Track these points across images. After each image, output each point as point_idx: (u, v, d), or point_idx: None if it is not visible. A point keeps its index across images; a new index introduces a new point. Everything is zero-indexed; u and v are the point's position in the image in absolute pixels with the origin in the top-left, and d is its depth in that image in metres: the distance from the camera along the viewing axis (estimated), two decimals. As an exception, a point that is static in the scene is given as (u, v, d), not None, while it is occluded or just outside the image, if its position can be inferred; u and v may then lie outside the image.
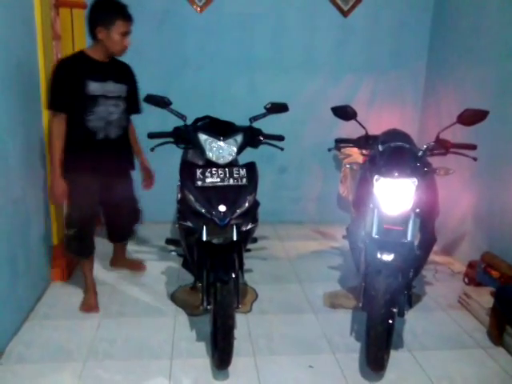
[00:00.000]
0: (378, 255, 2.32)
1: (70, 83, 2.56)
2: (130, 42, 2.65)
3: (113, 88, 2.67)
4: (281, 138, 2.67)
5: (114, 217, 3.12)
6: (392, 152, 2.50)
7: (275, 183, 4.45)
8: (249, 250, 3.05)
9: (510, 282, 2.95)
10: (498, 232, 3.27)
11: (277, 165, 4.37)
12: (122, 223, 3.19)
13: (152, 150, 2.57)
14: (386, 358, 2.37)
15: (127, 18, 2.61)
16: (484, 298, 2.92)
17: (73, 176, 2.69)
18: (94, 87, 2.60)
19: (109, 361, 2.45)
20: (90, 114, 2.63)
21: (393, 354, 2.50)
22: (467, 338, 2.75)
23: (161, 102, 2.50)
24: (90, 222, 2.88)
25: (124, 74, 2.81)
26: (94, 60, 2.65)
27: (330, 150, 2.89)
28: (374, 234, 2.42)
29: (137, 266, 3.46)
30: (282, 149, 2.69)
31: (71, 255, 3.03)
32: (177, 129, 2.55)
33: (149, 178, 3.15)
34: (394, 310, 2.32)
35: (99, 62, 2.66)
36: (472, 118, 2.39)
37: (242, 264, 2.46)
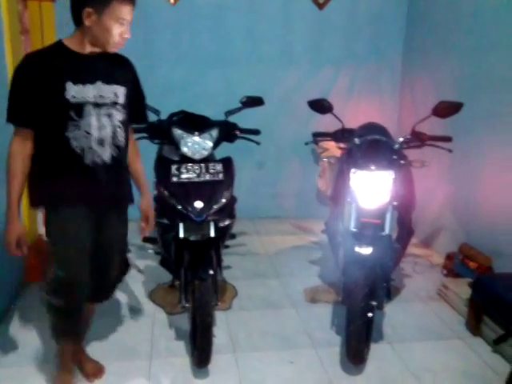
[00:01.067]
0: (356, 249, 2.32)
1: (39, 86, 1.81)
2: (129, 34, 1.89)
3: (103, 92, 1.90)
4: (257, 132, 2.64)
5: (98, 269, 2.08)
6: (368, 145, 2.51)
7: (253, 178, 4.42)
8: (227, 247, 3.02)
9: (486, 273, 2.99)
10: (475, 224, 3.30)
11: (255, 160, 4.34)
12: (106, 278, 2.18)
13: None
14: (366, 350, 2.38)
15: None
16: (462, 289, 2.94)
17: (53, 209, 1.96)
18: (76, 91, 1.83)
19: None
20: (73, 128, 1.86)
21: (373, 346, 2.50)
22: (446, 329, 2.77)
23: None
24: (79, 282, 1.98)
25: (120, 72, 2.01)
26: (76, 53, 1.87)
27: (307, 143, 2.88)
28: (352, 228, 2.43)
29: (94, 372, 2.31)
30: (258, 143, 2.67)
31: (53, 336, 2.16)
32: (151, 124, 2.49)
33: (146, 220, 2.24)
34: (374, 303, 2.33)
35: (83, 56, 1.88)
36: (447, 110, 2.40)
37: (220, 261, 2.44)
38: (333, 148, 3.74)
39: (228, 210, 2.45)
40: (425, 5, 3.99)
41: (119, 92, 1.95)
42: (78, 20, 1.83)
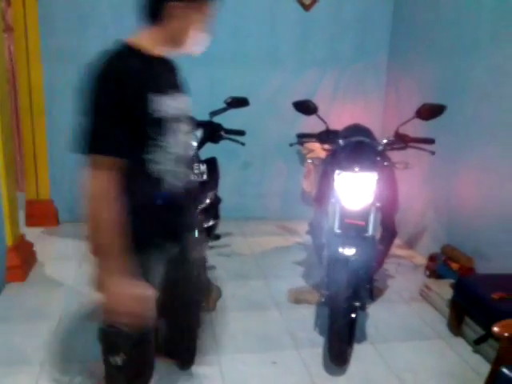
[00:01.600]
0: (340, 250, 2.33)
1: (130, 103, 1.40)
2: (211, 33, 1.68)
3: (184, 103, 1.60)
4: (242, 133, 2.64)
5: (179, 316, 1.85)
6: (352, 146, 2.52)
7: (239, 179, 4.42)
8: (212, 247, 3.01)
9: (468, 274, 3.02)
10: (457, 225, 3.34)
11: (240, 160, 4.34)
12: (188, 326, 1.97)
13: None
14: (348, 351, 2.39)
15: None
16: (444, 289, 2.97)
17: (143, 256, 1.52)
18: (162, 104, 1.47)
19: (68, 364, 2.37)
20: (155, 149, 1.47)
21: (356, 347, 2.51)
22: (428, 330, 2.79)
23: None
24: (149, 334, 1.62)
25: (180, 79, 1.73)
26: (153, 58, 1.52)
27: (291, 144, 2.88)
28: (336, 229, 2.43)
29: None
30: (243, 144, 2.67)
31: None
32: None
33: None
34: (357, 303, 2.34)
35: (160, 60, 1.56)
36: (430, 112, 2.43)
37: (204, 261, 2.42)
38: (318, 149, 3.74)
39: (212, 211, 2.45)
40: (409, 7, 4.03)
41: (188, 102, 1.64)
42: (154, 15, 1.48)
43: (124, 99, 1.38)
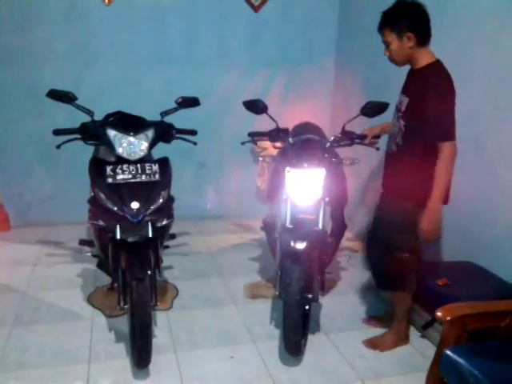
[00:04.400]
0: (292, 244, 2.39)
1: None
2: (387, 53, 2.34)
3: None
4: (193, 133, 2.66)
5: None
6: (302, 144, 2.59)
7: (195, 178, 4.43)
8: (167, 247, 3.03)
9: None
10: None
11: (195, 160, 4.36)
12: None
13: (58, 147, 2.46)
14: (303, 342, 2.46)
15: (379, 28, 2.34)
16: (393, 279, 3.10)
17: None
18: None
19: (21, 371, 2.33)
20: None
21: (310, 337, 2.60)
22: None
23: (65, 97, 2.39)
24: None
25: None
26: None
27: (243, 143, 2.93)
28: (288, 224, 2.50)
29: None
30: (195, 143, 2.69)
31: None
32: (84, 125, 2.45)
33: None
34: (309, 296, 2.41)
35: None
36: (374, 109, 2.52)
37: (158, 261, 2.43)
38: (271, 148, 3.81)
39: (166, 210, 2.45)
40: (354, 10, 4.15)
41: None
42: None
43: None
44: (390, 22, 2.26)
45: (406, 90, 2.36)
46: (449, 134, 2.13)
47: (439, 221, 2.26)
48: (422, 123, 2.16)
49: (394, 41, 2.24)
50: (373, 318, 2.89)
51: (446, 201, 2.33)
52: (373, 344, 2.64)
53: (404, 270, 2.48)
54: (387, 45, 2.28)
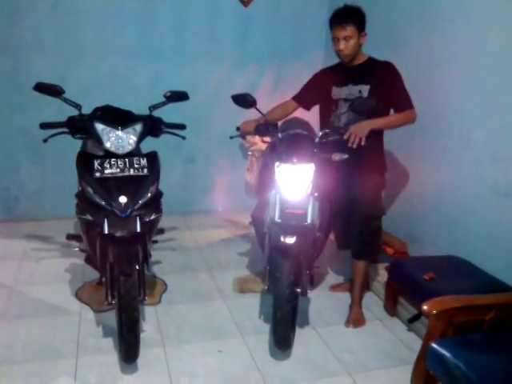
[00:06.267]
0: (281, 239, 2.39)
1: None
2: (342, 46, 2.56)
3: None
4: (182, 127, 2.64)
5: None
6: (291, 139, 2.59)
7: (184, 173, 4.43)
8: (155, 242, 3.02)
9: (402, 258, 3.19)
10: (392, 211, 3.49)
11: (184, 154, 4.35)
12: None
13: (45, 140, 2.43)
14: (292, 336, 2.48)
15: (342, 22, 2.55)
16: (380, 273, 3.13)
17: None
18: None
19: (6, 366, 2.32)
20: None
21: (299, 331, 2.62)
22: (366, 312, 2.93)
23: (52, 91, 2.36)
24: None
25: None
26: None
27: (231, 137, 2.92)
28: (277, 219, 2.49)
29: None
30: (183, 137, 2.67)
31: None
32: (71, 118, 2.43)
33: None
34: (298, 290, 2.42)
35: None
36: (361, 107, 2.55)
37: (146, 255, 2.42)
38: (260, 142, 3.81)
39: (154, 205, 2.44)
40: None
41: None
42: None
43: None
44: (356, 18, 2.54)
45: (360, 80, 2.63)
46: (412, 103, 2.59)
47: (363, 133, 2.48)
48: (388, 100, 2.61)
49: (355, 36, 2.53)
50: (337, 285, 3.22)
51: (384, 169, 2.82)
52: (354, 322, 2.80)
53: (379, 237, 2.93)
54: (347, 39, 2.52)
